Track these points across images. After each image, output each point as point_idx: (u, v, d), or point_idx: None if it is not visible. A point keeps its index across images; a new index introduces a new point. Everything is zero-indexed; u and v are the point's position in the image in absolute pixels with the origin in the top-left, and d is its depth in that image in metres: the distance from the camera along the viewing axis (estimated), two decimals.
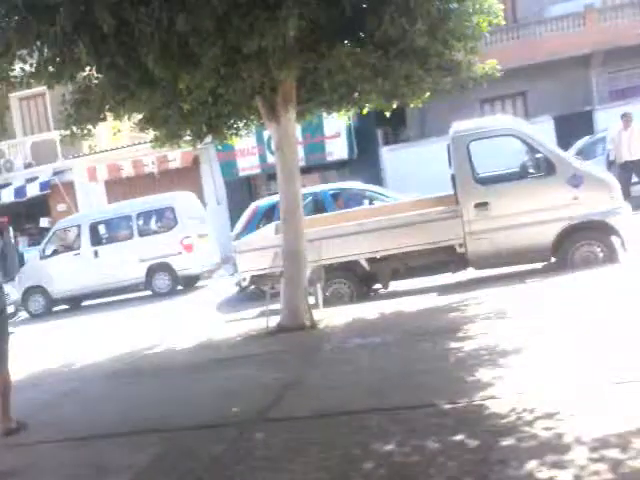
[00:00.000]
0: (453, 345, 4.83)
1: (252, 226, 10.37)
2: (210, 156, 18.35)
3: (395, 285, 8.41)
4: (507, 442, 2.92)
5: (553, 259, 7.71)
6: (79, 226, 14.14)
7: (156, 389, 5.18)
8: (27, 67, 6.05)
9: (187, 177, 18.57)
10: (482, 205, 7.60)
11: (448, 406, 3.50)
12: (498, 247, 7.52)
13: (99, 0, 5.06)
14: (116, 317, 11.43)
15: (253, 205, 11.26)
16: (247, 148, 17.25)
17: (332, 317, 6.80)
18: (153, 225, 14.32)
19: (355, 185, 11.72)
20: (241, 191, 19.00)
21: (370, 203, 10.72)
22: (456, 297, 6.83)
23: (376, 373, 4.43)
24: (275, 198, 11.06)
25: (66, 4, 5.12)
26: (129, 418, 4.40)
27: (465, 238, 7.61)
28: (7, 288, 11.45)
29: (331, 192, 11.07)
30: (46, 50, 5.71)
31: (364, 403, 3.80)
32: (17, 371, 5.11)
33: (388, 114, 7.86)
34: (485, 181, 7.94)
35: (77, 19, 5.20)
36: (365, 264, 7.95)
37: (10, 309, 11.35)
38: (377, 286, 8.49)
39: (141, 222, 14.05)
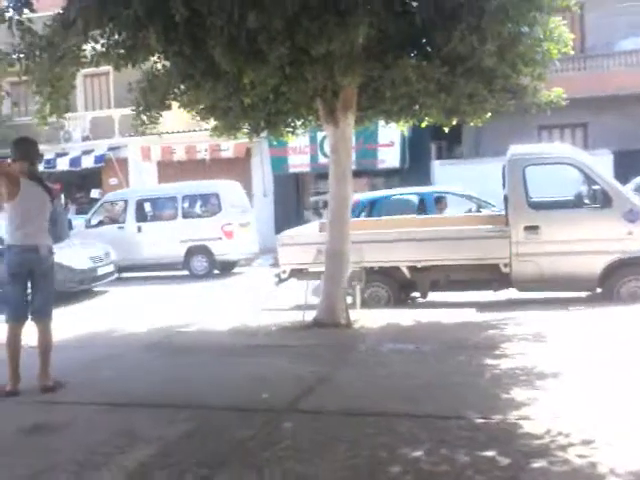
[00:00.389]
0: (489, 362, 4.80)
1: (352, 216, 10.31)
2: (262, 149, 18.52)
3: (433, 296, 8.38)
4: (538, 464, 2.88)
5: (598, 290, 7.60)
6: (126, 201, 14.56)
7: (191, 366, 5.26)
8: (97, 47, 6.24)
9: (237, 167, 18.79)
10: (532, 229, 7.60)
11: (481, 421, 3.47)
12: (544, 271, 7.48)
13: None
14: (153, 292, 11.73)
15: (354, 198, 11.25)
16: (299, 146, 17.35)
17: (368, 319, 6.81)
18: (197, 209, 14.67)
19: (460, 190, 11.41)
20: (288, 187, 19.17)
21: (477, 210, 10.50)
22: (495, 315, 6.79)
23: (409, 379, 4.43)
24: (376, 194, 11.09)
25: None
26: (162, 391, 4.48)
27: (511, 259, 7.58)
28: (108, 248, 11.96)
29: (435, 195, 10.91)
30: (117, 33, 5.89)
31: (395, 407, 3.80)
32: (60, 332, 5.27)
33: (448, 129, 7.86)
34: (538, 206, 7.90)
35: (151, 5, 5.34)
36: (406, 271, 7.97)
37: (109, 268, 11.84)
38: (415, 294, 8.48)
39: (186, 204, 14.42)
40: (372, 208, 10.59)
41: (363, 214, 10.49)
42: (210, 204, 14.26)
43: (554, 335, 5.58)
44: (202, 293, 11.14)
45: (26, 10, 5.99)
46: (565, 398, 3.79)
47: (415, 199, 10.79)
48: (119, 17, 5.57)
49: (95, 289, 11.78)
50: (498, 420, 3.47)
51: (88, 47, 6.29)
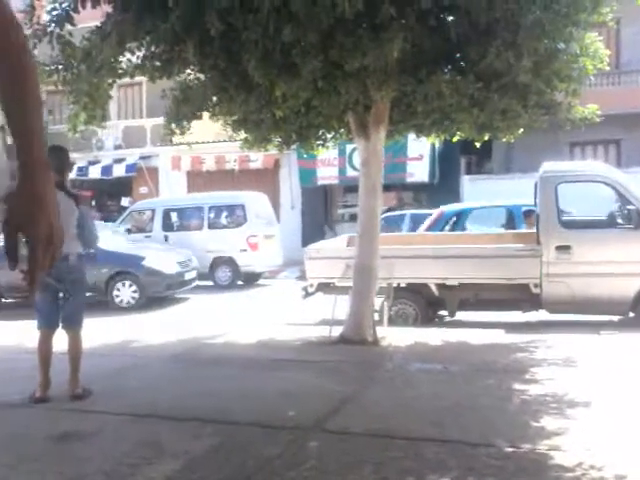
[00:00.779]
0: (518, 386, 4.71)
1: (436, 228, 10.24)
2: (290, 161, 18.62)
3: (461, 315, 8.29)
4: None
5: (631, 314, 7.43)
6: (154, 210, 14.77)
7: (216, 379, 5.27)
8: (133, 59, 6.34)
9: (266, 178, 18.92)
10: (564, 248, 7.46)
11: (510, 449, 3.39)
12: (575, 293, 7.33)
13: (210, 4, 5.27)
14: (178, 300, 11.81)
15: (439, 209, 11.07)
16: (328, 159, 17.40)
17: (395, 336, 6.75)
18: (223, 220, 14.79)
19: None
20: (316, 199, 19.21)
21: None
22: (525, 337, 6.66)
23: (437, 401, 4.37)
24: (462, 206, 10.87)
25: (180, 4, 5.37)
26: (188, 403, 4.49)
27: (542, 279, 7.45)
28: (190, 254, 12.13)
29: (524, 209, 10.42)
30: (154, 46, 5.98)
31: (423, 431, 3.74)
32: (86, 339, 5.31)
33: (479, 144, 7.81)
34: (570, 225, 7.78)
35: (188, 20, 5.42)
36: (434, 289, 7.88)
37: (193, 274, 11.98)
38: (443, 313, 8.38)
39: (212, 215, 14.57)
40: (458, 220, 10.41)
41: (448, 227, 10.32)
42: (236, 215, 14.38)
43: (585, 360, 5.47)
44: (227, 304, 11.21)
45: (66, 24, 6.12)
46: (597, 429, 3.68)
47: (503, 212, 10.54)
48: (156, 31, 5.67)
49: (177, 296, 11.83)
50: (527, 449, 3.39)
51: (124, 59, 6.40)
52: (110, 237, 11.93)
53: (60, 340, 4.78)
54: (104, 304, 10.76)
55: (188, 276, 11.72)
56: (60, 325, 4.76)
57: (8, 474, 3.28)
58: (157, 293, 11.08)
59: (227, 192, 15.21)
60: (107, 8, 6.03)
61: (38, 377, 4.65)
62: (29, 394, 4.63)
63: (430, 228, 10.34)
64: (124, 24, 5.77)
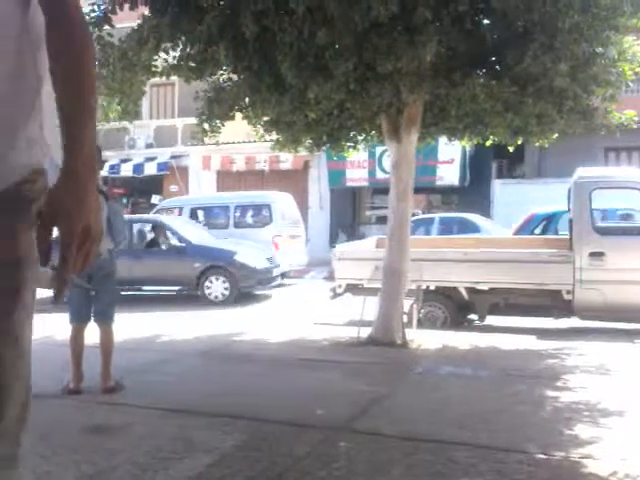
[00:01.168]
0: (550, 393, 4.65)
1: (526, 231, 10.12)
2: (320, 162, 18.65)
3: (491, 319, 8.21)
4: None
5: None
6: (181, 208, 14.87)
7: (244, 376, 5.32)
8: (169, 59, 6.42)
9: (295, 179, 18.98)
10: (597, 255, 7.33)
11: (541, 456, 3.35)
12: (608, 300, 7.19)
13: (245, 7, 5.30)
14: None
15: (530, 212, 10.89)
16: (358, 160, 17.38)
17: (424, 339, 6.72)
18: (249, 219, 14.87)
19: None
20: (345, 200, 19.23)
21: None
22: (556, 344, 6.58)
23: (467, 405, 4.34)
24: (553, 208, 10.48)
25: (215, 7, 5.42)
26: (217, 399, 4.53)
27: (574, 285, 7.34)
28: (274, 252, 12.10)
29: (619, 212, 10.23)
30: (189, 47, 6.05)
31: (452, 434, 3.72)
32: (118, 334, 5.39)
33: (511, 148, 7.74)
34: (604, 231, 7.65)
35: (223, 22, 5.47)
36: (464, 293, 7.81)
37: (279, 270, 12.05)
38: (472, 317, 8.32)
39: (238, 214, 14.64)
40: (549, 223, 10.23)
41: (538, 230, 10.15)
42: (262, 215, 14.47)
43: (618, 369, 5.38)
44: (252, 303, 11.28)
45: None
46: (632, 438, 3.62)
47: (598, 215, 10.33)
48: (192, 32, 5.74)
49: (257, 292, 11.79)
50: (560, 457, 3.34)
51: (160, 60, 6.49)
52: (196, 232, 12.02)
53: (93, 333, 4.86)
54: (194, 298, 10.87)
55: (275, 272, 11.78)
56: (92, 319, 4.84)
57: (41, 464, 3.34)
58: (248, 288, 11.09)
59: (253, 192, 15.35)
60: (144, 9, 6.12)
61: (71, 369, 4.74)
62: (62, 386, 4.72)
63: (519, 231, 10.17)
64: (160, 27, 5.85)
